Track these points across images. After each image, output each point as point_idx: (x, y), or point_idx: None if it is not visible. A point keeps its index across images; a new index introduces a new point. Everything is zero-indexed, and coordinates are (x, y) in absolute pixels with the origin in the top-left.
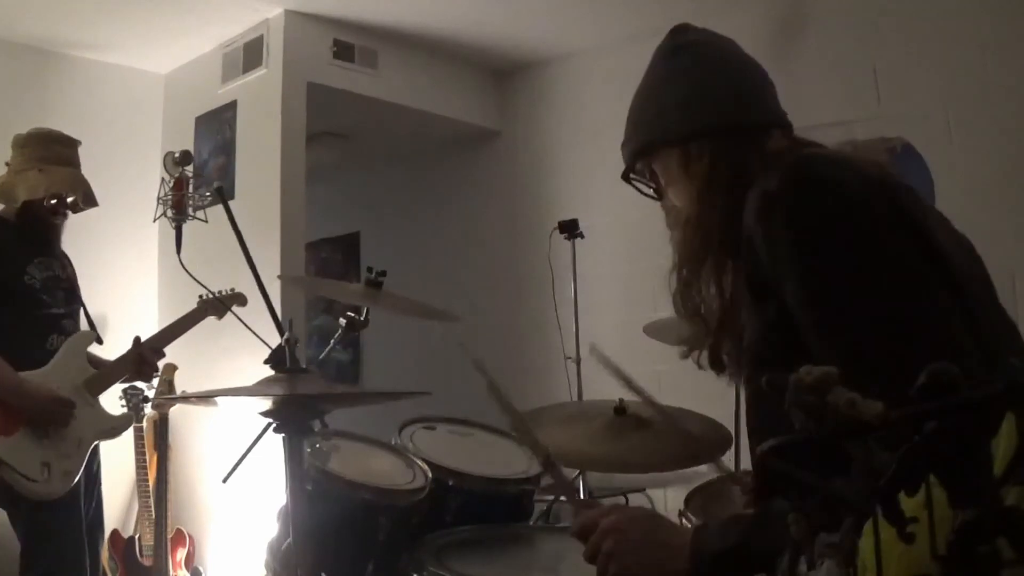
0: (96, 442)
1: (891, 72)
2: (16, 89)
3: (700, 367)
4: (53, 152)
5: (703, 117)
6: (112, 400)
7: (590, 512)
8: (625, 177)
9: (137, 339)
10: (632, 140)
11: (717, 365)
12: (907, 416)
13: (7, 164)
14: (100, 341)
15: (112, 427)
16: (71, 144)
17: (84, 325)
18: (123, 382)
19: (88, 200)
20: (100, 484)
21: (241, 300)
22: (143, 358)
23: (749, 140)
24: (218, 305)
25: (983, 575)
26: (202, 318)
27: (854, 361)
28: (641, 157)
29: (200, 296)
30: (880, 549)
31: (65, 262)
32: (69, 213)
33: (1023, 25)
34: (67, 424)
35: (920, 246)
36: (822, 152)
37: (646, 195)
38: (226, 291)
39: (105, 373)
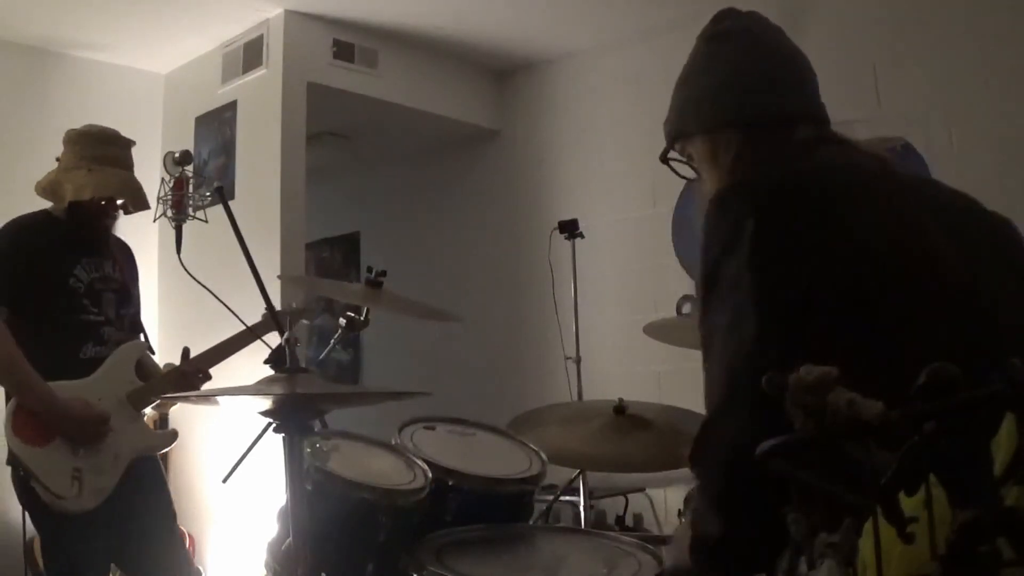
0: (133, 459)
1: (891, 72)
2: (16, 89)
3: None
4: (105, 152)
5: (733, 107)
6: None
7: None
8: (663, 158)
9: (186, 351)
10: (670, 123)
11: None
12: (907, 416)
13: (57, 160)
14: (152, 351)
15: (152, 444)
16: (125, 145)
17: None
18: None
19: (138, 203)
20: (165, 488)
21: (310, 315)
22: (186, 377)
23: (775, 132)
24: (283, 319)
25: (983, 575)
26: (264, 333)
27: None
28: (677, 141)
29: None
30: (880, 549)
31: (120, 260)
32: (120, 214)
33: (1023, 25)
34: (102, 440)
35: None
36: (787, 154)
37: (682, 176)
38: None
39: (149, 387)
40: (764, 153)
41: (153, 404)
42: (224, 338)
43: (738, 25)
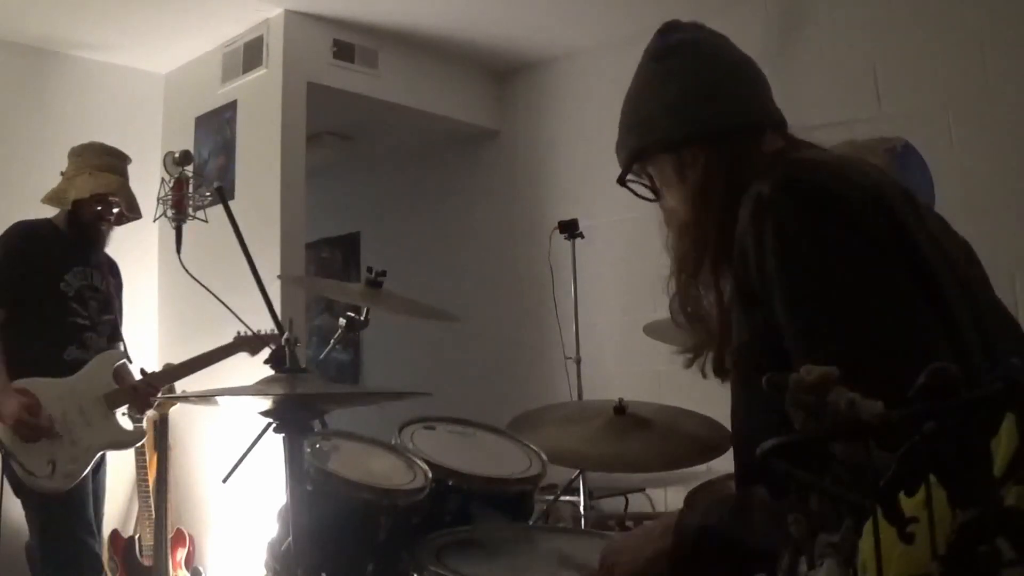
0: (104, 451)
1: (891, 72)
2: (16, 89)
3: (704, 375)
4: (104, 161)
5: (695, 121)
6: None
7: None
8: (621, 181)
9: (142, 371)
10: (625, 145)
11: (722, 372)
12: (907, 416)
13: (62, 173)
14: (130, 360)
15: (122, 440)
16: (122, 158)
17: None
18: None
19: (132, 209)
20: (104, 472)
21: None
22: (139, 392)
23: (742, 142)
24: (253, 342)
25: (983, 575)
26: (233, 353)
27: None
28: (635, 162)
29: (238, 332)
30: (880, 549)
31: (107, 272)
32: (113, 219)
33: (1023, 25)
34: (37, 440)
35: (905, 255)
36: (815, 157)
37: (643, 198)
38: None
39: (123, 391)
40: (738, 164)
41: (126, 407)
42: (190, 356)
43: (685, 38)
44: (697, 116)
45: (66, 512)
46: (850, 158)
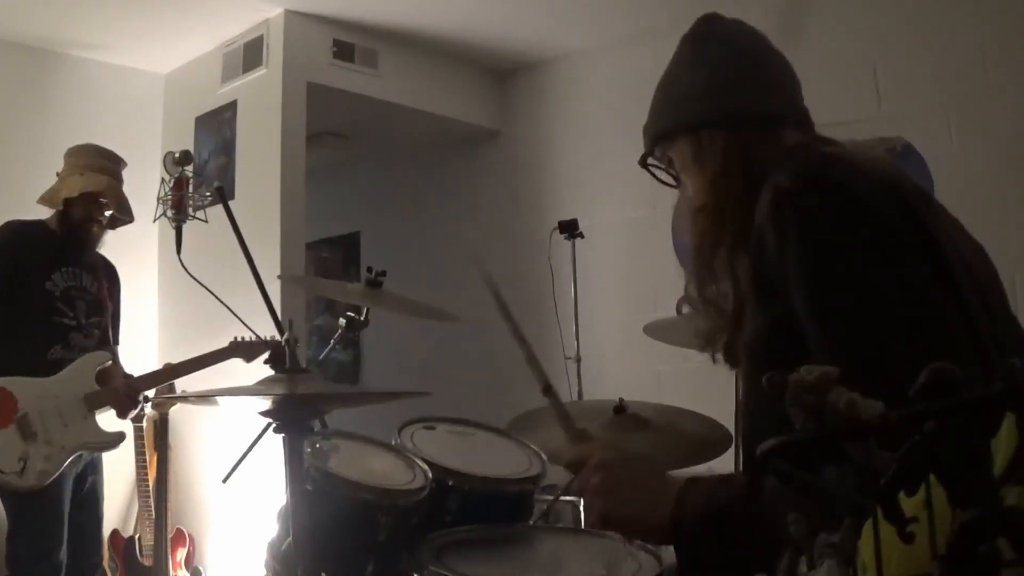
0: (78, 452)
1: (891, 72)
2: (16, 89)
3: (715, 361)
4: (95, 161)
5: (717, 106)
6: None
7: (584, 447)
8: (643, 162)
9: (125, 375)
10: (651, 126)
11: (733, 359)
12: (907, 416)
13: (57, 174)
14: (118, 363)
15: (98, 442)
16: (115, 160)
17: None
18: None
19: (122, 210)
20: (100, 474)
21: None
22: (118, 395)
23: (763, 132)
24: (250, 348)
25: (983, 575)
26: (228, 358)
27: (854, 367)
28: (658, 144)
29: (235, 337)
30: (880, 549)
31: (101, 275)
32: (105, 221)
33: (1023, 25)
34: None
35: (927, 253)
36: (837, 152)
37: (662, 182)
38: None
39: (104, 393)
40: (757, 153)
41: (105, 409)
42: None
43: (721, 29)
44: (718, 101)
45: (32, 518)
46: (870, 154)
